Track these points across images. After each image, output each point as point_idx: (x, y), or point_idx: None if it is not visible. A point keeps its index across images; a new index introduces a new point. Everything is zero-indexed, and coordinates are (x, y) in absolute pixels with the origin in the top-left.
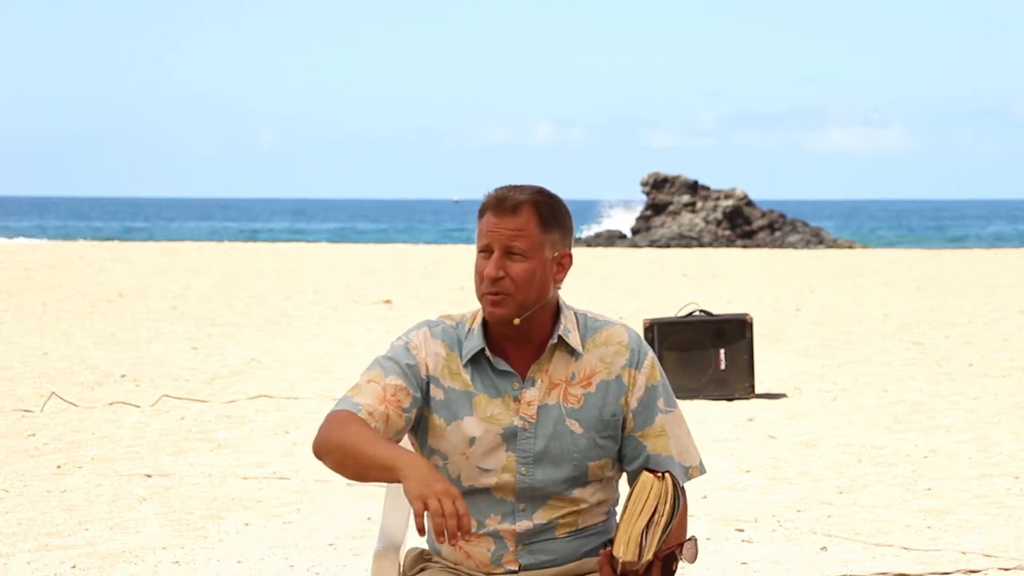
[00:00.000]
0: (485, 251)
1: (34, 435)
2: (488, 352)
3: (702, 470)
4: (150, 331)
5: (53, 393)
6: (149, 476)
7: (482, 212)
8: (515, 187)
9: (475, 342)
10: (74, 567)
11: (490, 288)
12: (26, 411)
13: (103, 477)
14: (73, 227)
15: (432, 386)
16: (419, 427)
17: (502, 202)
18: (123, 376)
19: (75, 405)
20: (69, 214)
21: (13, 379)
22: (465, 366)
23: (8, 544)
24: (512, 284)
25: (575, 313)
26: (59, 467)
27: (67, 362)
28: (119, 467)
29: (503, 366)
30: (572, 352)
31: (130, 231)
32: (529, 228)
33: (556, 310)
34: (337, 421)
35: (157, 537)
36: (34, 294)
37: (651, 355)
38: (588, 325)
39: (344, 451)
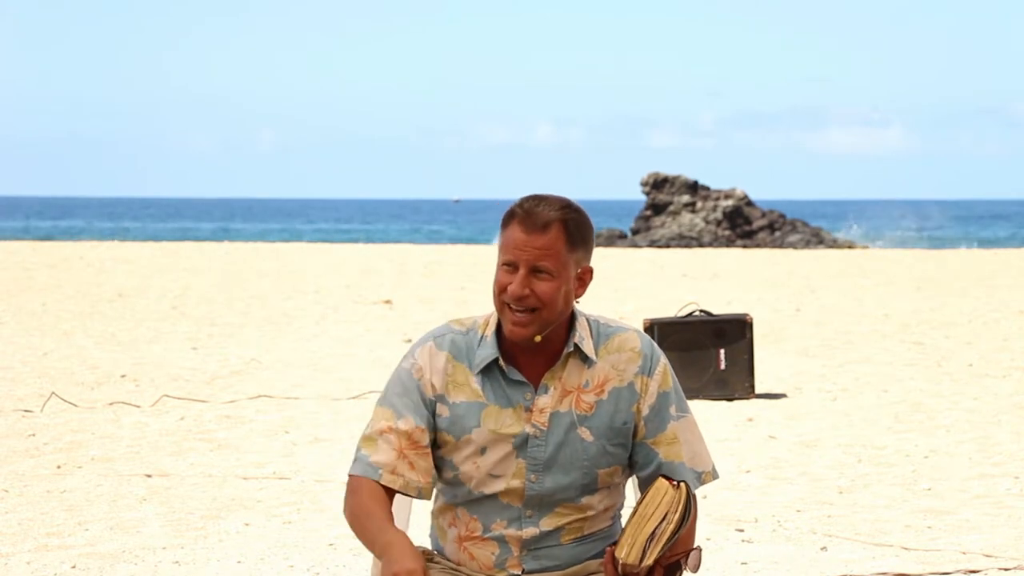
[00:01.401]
0: (510, 265)
1: (34, 435)
2: (501, 362)
3: (715, 475)
4: (150, 331)
5: (53, 393)
6: (149, 476)
7: (507, 223)
8: (543, 200)
9: (488, 351)
10: (74, 567)
11: (515, 305)
12: (26, 411)
13: (103, 477)
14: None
15: (438, 404)
16: (433, 443)
17: (531, 218)
18: (123, 376)
19: (75, 405)
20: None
21: (13, 379)
22: (476, 375)
23: (8, 544)
24: (537, 301)
25: (588, 319)
26: (59, 467)
27: (67, 362)
28: (119, 467)
29: (516, 376)
30: (585, 359)
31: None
32: (557, 247)
33: (570, 317)
34: (355, 496)
35: (157, 537)
36: (34, 294)
37: (663, 361)
38: (601, 331)
39: (355, 528)
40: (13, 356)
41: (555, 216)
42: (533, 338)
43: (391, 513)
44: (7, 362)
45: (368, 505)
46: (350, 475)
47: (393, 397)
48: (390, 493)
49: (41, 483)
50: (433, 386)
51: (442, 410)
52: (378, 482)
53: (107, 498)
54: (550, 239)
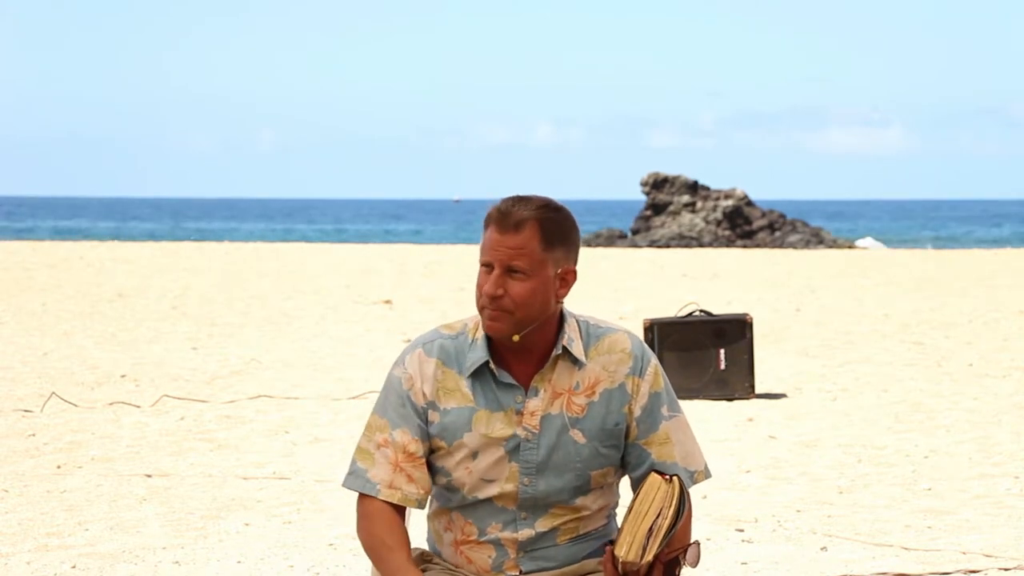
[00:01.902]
0: (486, 266)
1: (34, 435)
2: (491, 365)
3: (707, 474)
4: (150, 331)
5: (53, 393)
6: (149, 476)
7: (486, 224)
8: (521, 200)
9: (478, 354)
10: (74, 567)
11: (489, 305)
12: (26, 411)
13: (103, 477)
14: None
15: (430, 411)
16: (427, 449)
17: (505, 218)
18: (123, 376)
19: (75, 405)
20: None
21: (13, 379)
22: (467, 379)
23: (8, 544)
24: (511, 302)
25: (577, 320)
26: (59, 467)
27: (67, 362)
28: (119, 467)
29: (506, 379)
30: (575, 361)
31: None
32: (531, 247)
33: (559, 319)
34: (369, 523)
35: (157, 537)
36: (34, 294)
37: (654, 361)
38: (591, 332)
39: (372, 557)
40: (13, 356)
41: (529, 216)
42: (511, 337)
43: (408, 542)
44: (7, 362)
45: (385, 537)
46: (355, 491)
47: (388, 407)
48: (397, 508)
49: (41, 483)
50: (424, 394)
51: (433, 416)
52: (377, 498)
53: (107, 498)
54: (523, 239)
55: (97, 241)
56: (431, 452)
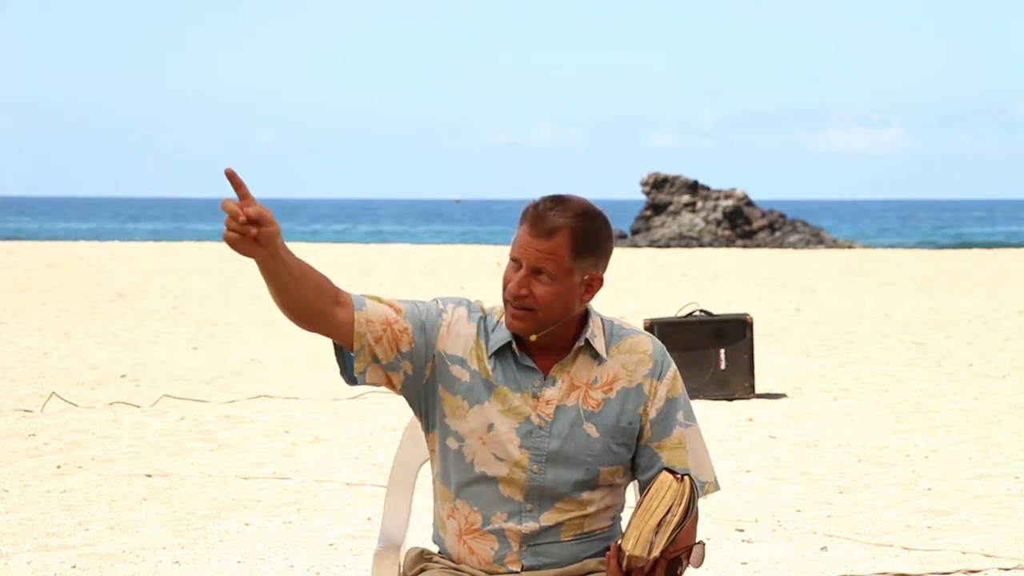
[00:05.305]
0: (515, 262)
1: (34, 435)
2: (515, 346)
3: (717, 487)
4: (150, 331)
5: (53, 393)
6: (149, 476)
7: (522, 219)
8: (559, 202)
9: (503, 335)
10: (74, 567)
11: (512, 302)
12: (26, 411)
13: (103, 477)
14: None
15: (457, 367)
16: (433, 408)
17: (540, 221)
18: (123, 376)
19: (75, 405)
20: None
21: (13, 379)
22: (490, 357)
23: (8, 544)
24: (534, 302)
25: (602, 319)
26: (59, 467)
27: (67, 362)
28: (119, 467)
29: (527, 362)
30: (596, 356)
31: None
32: (560, 254)
33: (584, 316)
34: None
35: (157, 537)
36: (34, 294)
37: (674, 367)
38: (614, 332)
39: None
40: (13, 356)
41: (563, 223)
42: (529, 335)
43: (321, 279)
44: (7, 362)
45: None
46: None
47: (412, 306)
48: (348, 314)
49: (41, 483)
50: (447, 342)
51: (462, 373)
52: (357, 310)
53: (107, 498)
54: (554, 245)
55: (97, 241)
56: (448, 415)
